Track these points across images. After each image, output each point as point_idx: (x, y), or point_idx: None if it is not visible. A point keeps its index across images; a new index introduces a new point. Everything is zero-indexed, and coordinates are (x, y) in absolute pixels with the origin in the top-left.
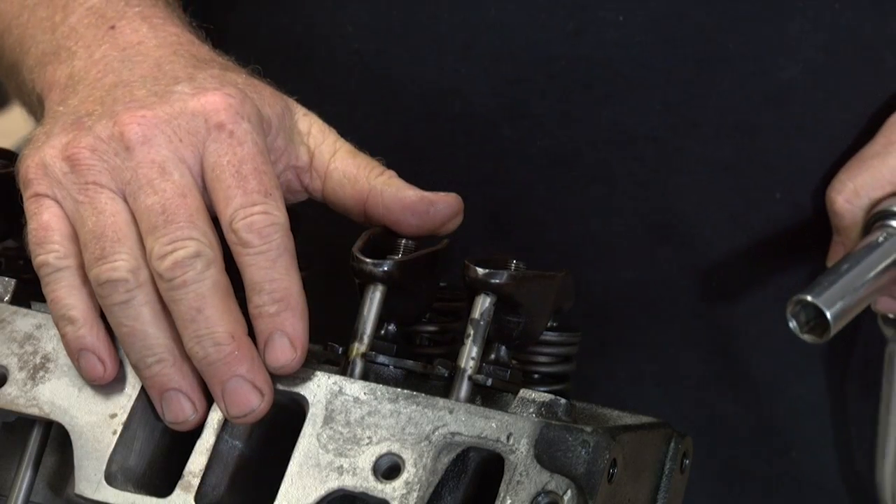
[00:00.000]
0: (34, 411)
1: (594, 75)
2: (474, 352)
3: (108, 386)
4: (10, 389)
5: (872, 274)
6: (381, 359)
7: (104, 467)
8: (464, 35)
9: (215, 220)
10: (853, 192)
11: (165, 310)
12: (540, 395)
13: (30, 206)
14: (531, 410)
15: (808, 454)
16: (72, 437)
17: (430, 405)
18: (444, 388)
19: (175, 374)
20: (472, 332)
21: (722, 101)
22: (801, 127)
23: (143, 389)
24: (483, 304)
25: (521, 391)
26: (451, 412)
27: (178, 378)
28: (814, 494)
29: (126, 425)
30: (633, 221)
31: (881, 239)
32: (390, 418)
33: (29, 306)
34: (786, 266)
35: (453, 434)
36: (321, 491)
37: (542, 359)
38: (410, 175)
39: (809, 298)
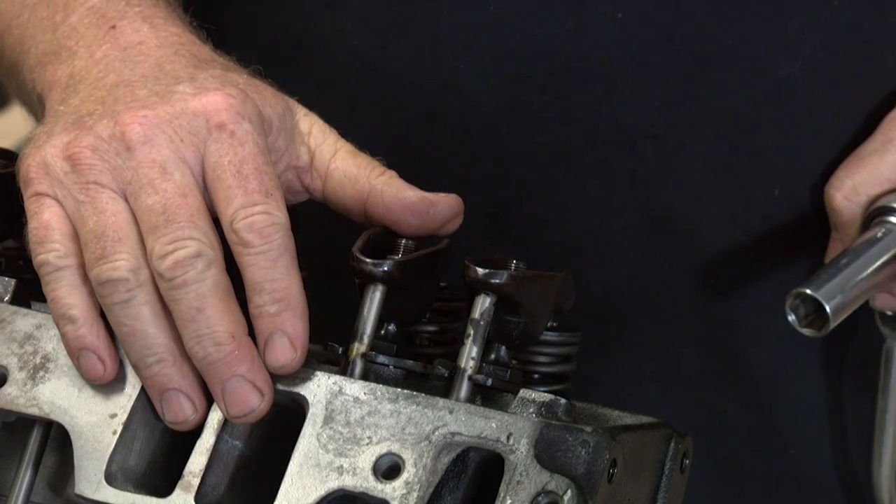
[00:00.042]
0: (34, 411)
1: (593, 73)
2: (474, 352)
3: (108, 386)
4: (10, 389)
5: (871, 269)
6: (381, 359)
7: (104, 467)
8: (463, 33)
9: (216, 220)
10: (852, 190)
11: (166, 309)
12: (540, 395)
13: (30, 205)
14: (531, 410)
15: (807, 452)
16: (72, 437)
17: (430, 405)
18: (444, 388)
19: (175, 373)
20: (472, 332)
21: (721, 98)
22: (800, 124)
23: (143, 389)
24: (483, 304)
25: (521, 391)
26: (451, 412)
27: (178, 378)
28: (813, 493)
29: (126, 425)
30: (633, 219)
31: (880, 234)
32: (390, 418)
33: (29, 306)
34: (784, 263)
35: (453, 434)
36: (321, 491)
37: (542, 359)
38: (410, 173)
39: (809, 291)
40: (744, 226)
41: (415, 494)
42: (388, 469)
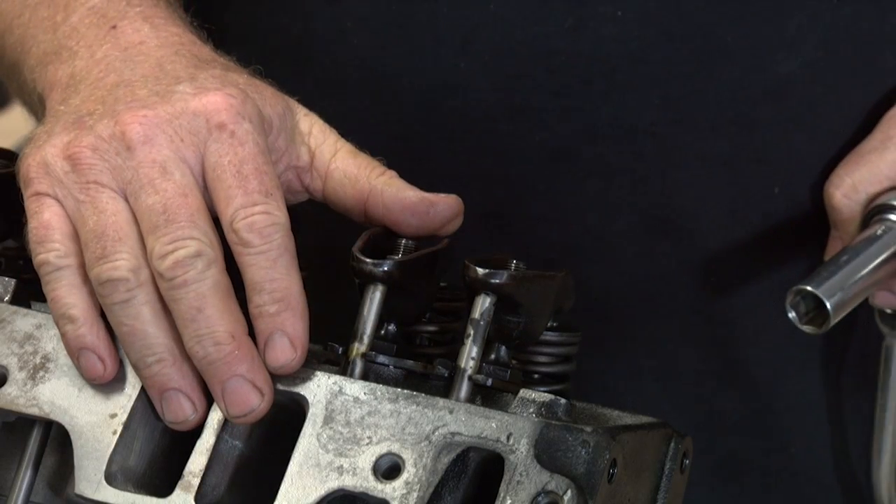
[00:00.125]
0: (34, 411)
1: (592, 70)
2: (474, 352)
3: (108, 386)
4: (10, 389)
5: (871, 266)
6: (381, 359)
7: (104, 467)
8: (462, 31)
9: (216, 220)
10: (851, 187)
11: (166, 309)
12: (540, 395)
13: (30, 204)
14: (531, 410)
15: (806, 450)
16: (72, 437)
17: (430, 405)
18: (444, 388)
19: (175, 373)
20: (472, 332)
21: (720, 96)
22: (800, 122)
23: (143, 389)
24: (483, 304)
25: (521, 391)
26: (451, 412)
27: (177, 378)
28: (812, 490)
29: (126, 425)
30: (632, 216)
31: (880, 232)
32: (390, 418)
33: (29, 306)
34: (784, 261)
35: (453, 434)
36: (321, 491)
37: (542, 359)
38: (409, 172)
39: (809, 288)
40: (743, 224)
41: (415, 494)
42: (388, 469)
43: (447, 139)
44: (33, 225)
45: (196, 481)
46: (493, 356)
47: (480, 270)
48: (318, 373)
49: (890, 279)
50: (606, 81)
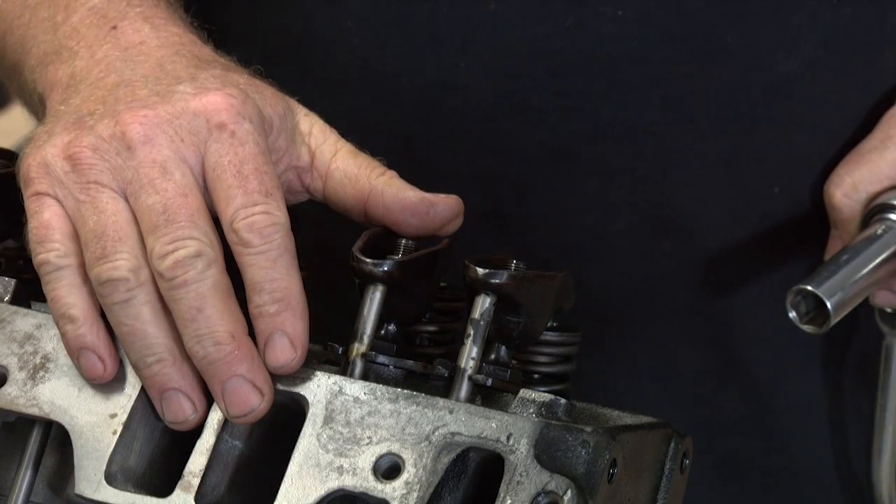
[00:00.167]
0: (34, 411)
1: (593, 70)
2: (474, 352)
3: (108, 386)
4: (10, 389)
5: (871, 265)
6: (381, 359)
7: (104, 467)
8: (462, 30)
9: (216, 220)
10: (851, 187)
11: (166, 309)
12: (540, 395)
13: (31, 204)
14: (531, 410)
15: (806, 449)
16: (72, 437)
17: (430, 405)
18: (444, 388)
19: (175, 373)
20: (472, 332)
21: (720, 95)
22: (800, 121)
23: (143, 389)
24: (483, 304)
25: (521, 391)
26: (451, 412)
27: (177, 378)
28: (812, 489)
29: (126, 425)
30: (632, 216)
31: (880, 231)
32: (390, 418)
33: (29, 306)
34: (784, 260)
35: (453, 434)
36: (321, 491)
37: (542, 359)
38: (409, 171)
39: (810, 288)
40: (743, 223)
41: (415, 494)
42: (388, 469)
43: (447, 139)
44: (33, 225)
45: (196, 481)
46: (493, 356)
47: (480, 270)
48: (318, 373)
49: (890, 278)
50: (607, 81)
